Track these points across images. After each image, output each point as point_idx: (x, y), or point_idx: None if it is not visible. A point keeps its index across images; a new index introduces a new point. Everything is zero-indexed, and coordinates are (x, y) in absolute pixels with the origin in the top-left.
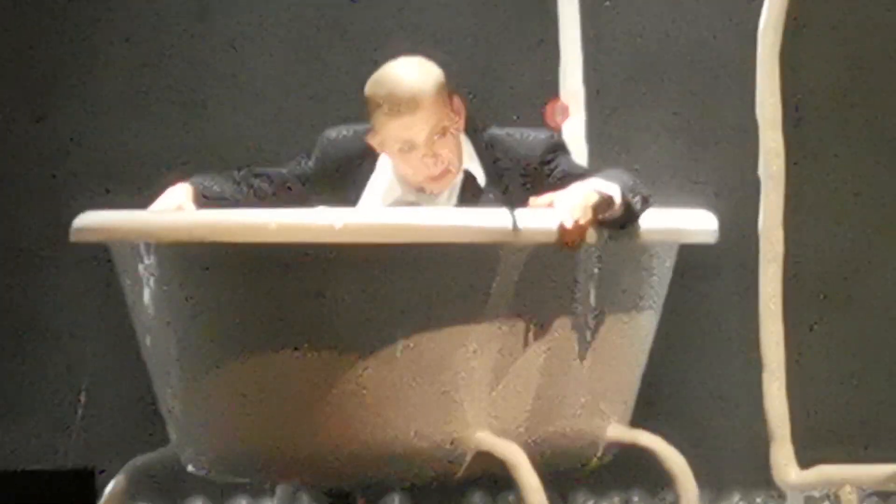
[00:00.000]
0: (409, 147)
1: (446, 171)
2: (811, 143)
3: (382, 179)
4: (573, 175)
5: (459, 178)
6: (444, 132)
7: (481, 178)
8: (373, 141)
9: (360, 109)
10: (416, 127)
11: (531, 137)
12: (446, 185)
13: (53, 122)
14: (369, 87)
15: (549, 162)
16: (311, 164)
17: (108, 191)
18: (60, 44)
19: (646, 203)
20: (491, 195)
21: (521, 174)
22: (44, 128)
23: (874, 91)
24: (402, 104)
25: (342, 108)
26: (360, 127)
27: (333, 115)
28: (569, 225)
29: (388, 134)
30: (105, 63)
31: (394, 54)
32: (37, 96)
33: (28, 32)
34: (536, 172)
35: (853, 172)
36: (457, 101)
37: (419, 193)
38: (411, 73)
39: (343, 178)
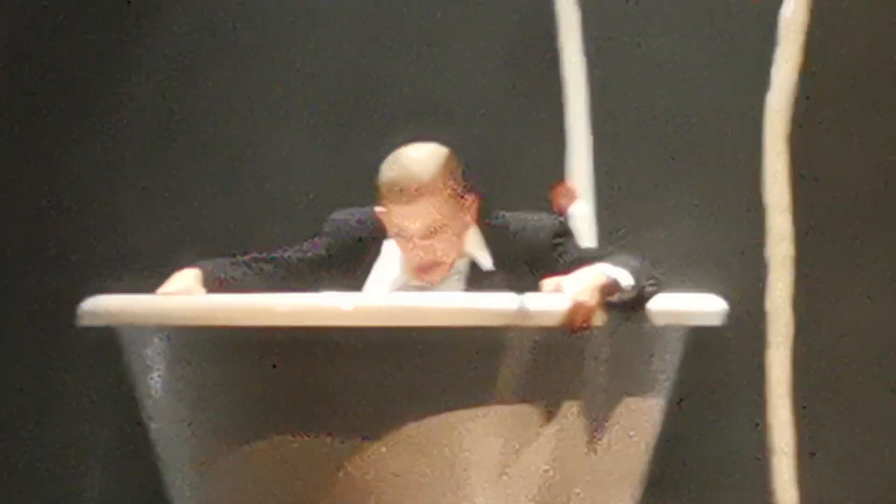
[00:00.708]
0: (404, 234)
1: (436, 264)
2: (821, 224)
3: (389, 263)
4: (582, 259)
5: (465, 263)
6: (440, 228)
7: (487, 264)
8: (382, 217)
9: (360, 197)
10: (411, 217)
11: (538, 222)
12: (436, 277)
13: (61, 204)
14: (381, 169)
15: (556, 246)
16: (319, 246)
17: (119, 276)
18: (68, 120)
19: (655, 286)
20: (498, 280)
21: (528, 259)
22: (53, 209)
23: (884, 167)
24: (403, 192)
25: (356, 190)
26: (367, 210)
27: (347, 197)
28: (576, 308)
29: (388, 218)
30: (114, 144)
31: (404, 136)
32: (43, 176)
33: (35, 104)
34: (544, 257)
35: (864, 255)
36: (469, 197)
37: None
38: (419, 162)
39: (351, 260)
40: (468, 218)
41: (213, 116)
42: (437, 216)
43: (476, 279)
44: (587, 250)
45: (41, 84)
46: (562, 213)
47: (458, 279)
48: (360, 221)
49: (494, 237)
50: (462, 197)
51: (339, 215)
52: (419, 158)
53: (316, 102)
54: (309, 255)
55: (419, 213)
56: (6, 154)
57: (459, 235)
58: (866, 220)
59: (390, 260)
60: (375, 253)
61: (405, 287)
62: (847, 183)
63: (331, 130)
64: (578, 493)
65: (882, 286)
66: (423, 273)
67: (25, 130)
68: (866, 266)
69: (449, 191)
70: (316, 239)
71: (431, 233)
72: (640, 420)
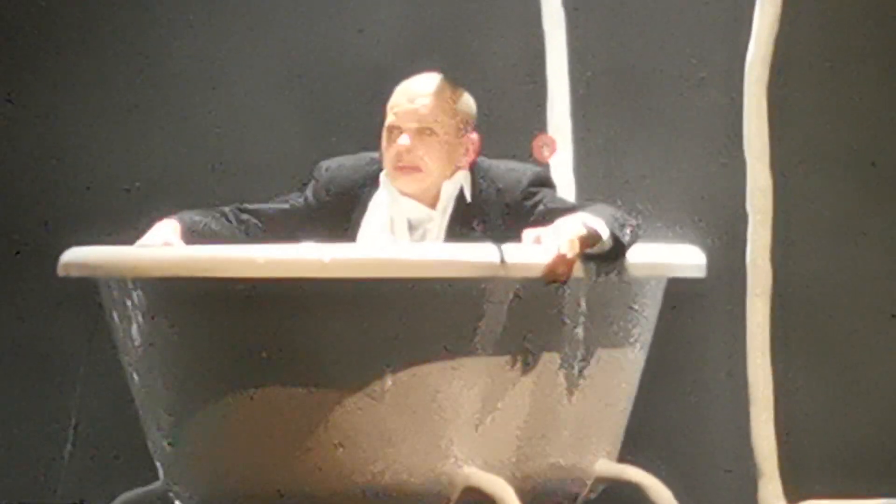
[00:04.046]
0: (396, 132)
1: (415, 168)
2: (799, 177)
3: (379, 212)
4: (558, 210)
5: (450, 202)
6: (432, 134)
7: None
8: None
9: (356, 142)
10: (410, 114)
11: (517, 170)
12: (411, 186)
13: (42, 156)
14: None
15: (532, 195)
16: (308, 196)
17: (98, 228)
18: (49, 77)
19: (634, 236)
20: (477, 228)
21: (503, 206)
22: (32, 163)
23: (861, 122)
24: (410, 93)
25: (336, 140)
26: (356, 158)
27: (327, 147)
28: (556, 259)
29: (390, 110)
30: (96, 98)
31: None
32: (25, 130)
33: (17, 65)
34: (518, 205)
35: (842, 208)
36: (473, 138)
37: (413, 226)
38: (435, 80)
39: (340, 208)
40: (462, 152)
41: (193, 67)
42: (433, 120)
43: (459, 220)
44: (564, 201)
45: (20, 38)
46: (542, 163)
47: (445, 217)
48: (349, 168)
49: (475, 181)
50: (465, 132)
51: (328, 163)
52: (431, 77)
53: (295, 51)
54: (295, 204)
55: (418, 112)
56: None
57: (448, 159)
58: (844, 173)
59: (381, 207)
60: (365, 202)
61: (393, 235)
62: (826, 135)
63: (312, 83)
64: (557, 445)
65: (860, 238)
66: (401, 173)
67: (2, 84)
68: (844, 219)
69: (454, 114)
70: (301, 191)
71: (422, 132)
72: (619, 371)
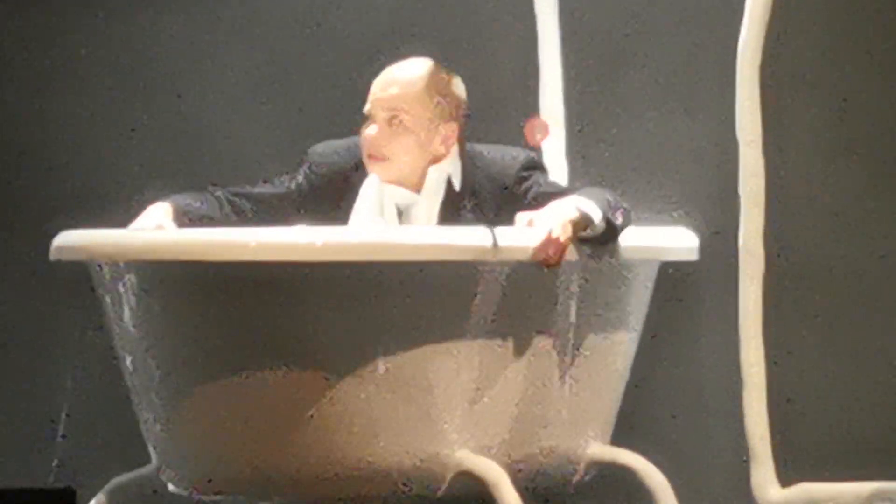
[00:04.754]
0: (369, 121)
1: (382, 158)
2: (792, 160)
3: (369, 196)
4: (550, 194)
5: (440, 186)
6: (401, 124)
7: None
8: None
9: (349, 126)
10: (382, 101)
11: (508, 155)
12: (382, 174)
13: (33, 141)
14: None
15: (525, 179)
16: (299, 180)
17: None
18: (40, 62)
19: (626, 219)
20: (469, 213)
21: (496, 190)
22: (23, 147)
23: (855, 101)
24: (383, 82)
25: (327, 122)
26: (347, 142)
27: (318, 130)
28: (547, 241)
29: (369, 96)
30: (85, 81)
31: (371, 71)
32: (16, 114)
33: (8, 48)
34: (511, 189)
35: (835, 190)
36: (450, 126)
37: (401, 210)
38: (410, 65)
39: (331, 192)
40: (439, 141)
41: (182, 49)
42: (403, 110)
43: (450, 206)
44: (556, 185)
45: (8, 22)
46: (534, 147)
47: (433, 202)
48: (340, 152)
49: (466, 167)
50: (444, 120)
51: (319, 146)
52: (412, 63)
53: (285, 31)
54: (287, 188)
55: (389, 101)
56: None
57: (418, 149)
58: (837, 155)
59: (372, 190)
60: (356, 185)
61: (383, 218)
62: (818, 118)
63: (304, 65)
64: (549, 428)
65: (854, 221)
66: (371, 161)
67: None
68: (838, 202)
69: (429, 101)
70: (293, 173)
71: (391, 121)
72: (612, 355)
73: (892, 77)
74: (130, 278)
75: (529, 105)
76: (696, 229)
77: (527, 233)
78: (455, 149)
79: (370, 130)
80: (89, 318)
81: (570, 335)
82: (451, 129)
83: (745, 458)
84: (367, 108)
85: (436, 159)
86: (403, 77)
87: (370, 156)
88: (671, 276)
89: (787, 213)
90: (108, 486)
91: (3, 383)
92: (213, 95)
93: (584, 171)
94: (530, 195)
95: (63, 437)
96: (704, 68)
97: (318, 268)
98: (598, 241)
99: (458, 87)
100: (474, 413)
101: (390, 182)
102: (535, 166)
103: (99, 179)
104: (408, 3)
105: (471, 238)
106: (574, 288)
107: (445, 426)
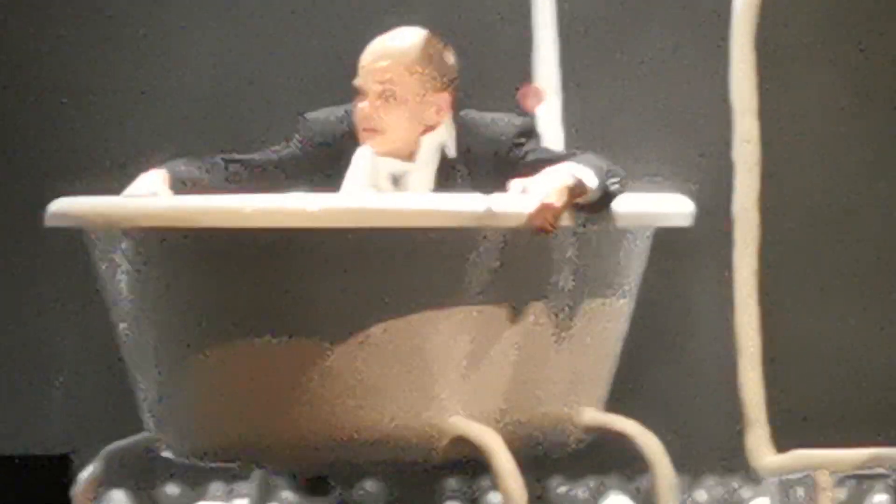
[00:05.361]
0: (360, 93)
1: (374, 131)
2: (787, 127)
3: (363, 164)
4: (545, 160)
5: (434, 154)
6: (393, 96)
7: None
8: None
9: (338, 93)
10: (372, 73)
11: (504, 122)
12: (377, 147)
13: (27, 109)
14: None
15: (519, 146)
16: (294, 147)
17: (85, 178)
18: (32, 33)
19: (621, 186)
20: (463, 180)
21: (491, 157)
22: (17, 114)
23: (851, 70)
24: (373, 53)
25: (318, 91)
26: (340, 109)
27: (311, 99)
28: (541, 207)
29: (359, 67)
30: (77, 50)
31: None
32: (9, 84)
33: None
34: (506, 156)
35: (829, 154)
36: (442, 95)
37: (395, 178)
38: (400, 35)
39: (326, 159)
40: (433, 111)
41: (182, 18)
42: (395, 82)
43: (445, 173)
44: (551, 151)
45: None
46: (529, 113)
47: (428, 170)
48: (335, 120)
49: (460, 134)
50: (435, 90)
51: (313, 114)
52: (402, 33)
53: (280, 5)
54: (282, 155)
55: (379, 73)
56: None
57: (411, 120)
58: (833, 122)
59: (365, 158)
60: (350, 153)
61: (377, 186)
62: (813, 85)
63: (300, 31)
64: (543, 395)
65: (850, 189)
66: (365, 134)
67: None
68: (834, 169)
69: (420, 71)
70: (288, 141)
71: (382, 94)
72: (607, 321)
73: (889, 43)
74: (125, 245)
75: (524, 72)
76: (691, 195)
77: (521, 199)
78: (448, 117)
79: (362, 104)
80: (85, 284)
81: (565, 301)
82: (444, 99)
83: (739, 425)
84: (357, 80)
85: (429, 129)
86: (394, 48)
87: (364, 129)
88: (666, 241)
89: (783, 180)
90: (103, 453)
91: None
92: (215, 63)
93: (580, 137)
94: (526, 161)
95: (58, 403)
96: (700, 33)
97: (314, 234)
98: (593, 207)
99: (450, 56)
100: (469, 379)
101: (385, 154)
102: (530, 133)
103: (93, 145)
104: None
105: (466, 204)
106: (569, 254)
107: (440, 392)
